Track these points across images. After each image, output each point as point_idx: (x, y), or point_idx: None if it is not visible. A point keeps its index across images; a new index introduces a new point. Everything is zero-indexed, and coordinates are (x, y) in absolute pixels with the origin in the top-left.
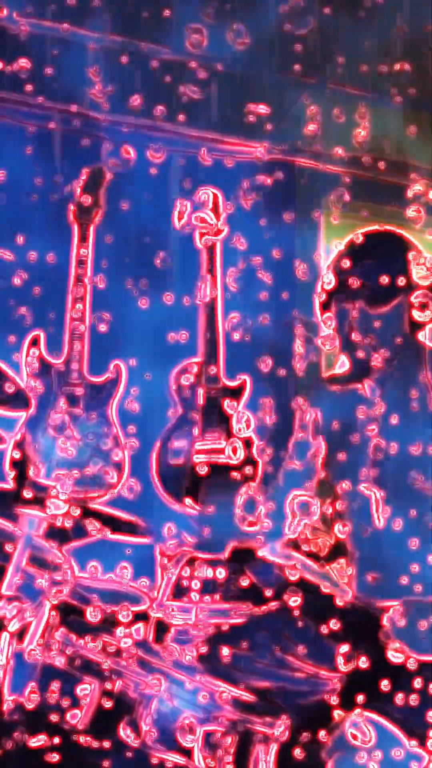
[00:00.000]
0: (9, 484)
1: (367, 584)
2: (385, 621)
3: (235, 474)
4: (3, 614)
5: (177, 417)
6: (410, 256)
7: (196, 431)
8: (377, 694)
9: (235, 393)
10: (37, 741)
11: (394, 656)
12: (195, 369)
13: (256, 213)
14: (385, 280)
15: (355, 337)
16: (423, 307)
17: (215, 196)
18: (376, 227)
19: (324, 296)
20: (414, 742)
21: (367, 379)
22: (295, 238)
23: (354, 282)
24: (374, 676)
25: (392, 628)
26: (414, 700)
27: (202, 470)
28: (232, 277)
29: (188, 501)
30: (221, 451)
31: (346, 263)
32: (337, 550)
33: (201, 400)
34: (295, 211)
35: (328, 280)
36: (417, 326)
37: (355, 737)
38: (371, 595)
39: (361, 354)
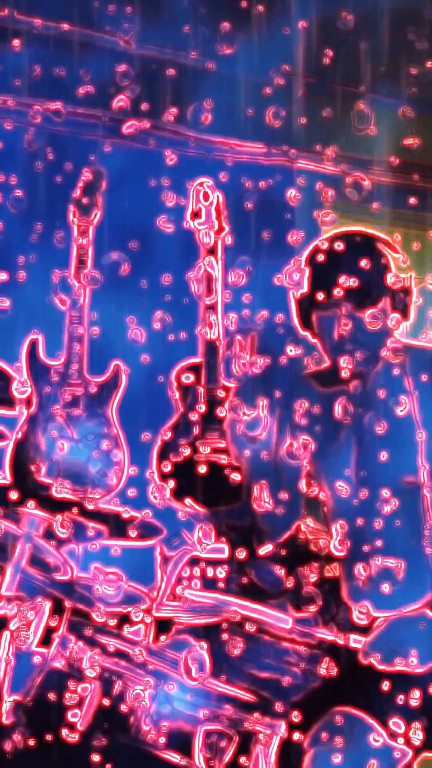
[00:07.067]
0: (8, 482)
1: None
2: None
3: (234, 475)
4: (3, 614)
5: (177, 416)
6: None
7: (196, 431)
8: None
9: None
10: (36, 741)
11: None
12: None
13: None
14: (367, 280)
15: (342, 343)
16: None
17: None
18: (345, 229)
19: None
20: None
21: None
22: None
23: (336, 286)
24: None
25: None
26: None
27: (202, 469)
28: (231, 276)
29: (188, 500)
30: (222, 450)
31: (323, 262)
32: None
33: (201, 400)
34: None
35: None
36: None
37: None
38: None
39: (348, 358)
